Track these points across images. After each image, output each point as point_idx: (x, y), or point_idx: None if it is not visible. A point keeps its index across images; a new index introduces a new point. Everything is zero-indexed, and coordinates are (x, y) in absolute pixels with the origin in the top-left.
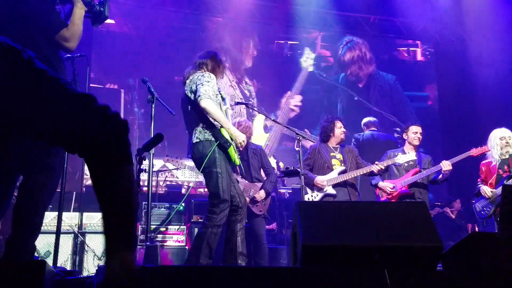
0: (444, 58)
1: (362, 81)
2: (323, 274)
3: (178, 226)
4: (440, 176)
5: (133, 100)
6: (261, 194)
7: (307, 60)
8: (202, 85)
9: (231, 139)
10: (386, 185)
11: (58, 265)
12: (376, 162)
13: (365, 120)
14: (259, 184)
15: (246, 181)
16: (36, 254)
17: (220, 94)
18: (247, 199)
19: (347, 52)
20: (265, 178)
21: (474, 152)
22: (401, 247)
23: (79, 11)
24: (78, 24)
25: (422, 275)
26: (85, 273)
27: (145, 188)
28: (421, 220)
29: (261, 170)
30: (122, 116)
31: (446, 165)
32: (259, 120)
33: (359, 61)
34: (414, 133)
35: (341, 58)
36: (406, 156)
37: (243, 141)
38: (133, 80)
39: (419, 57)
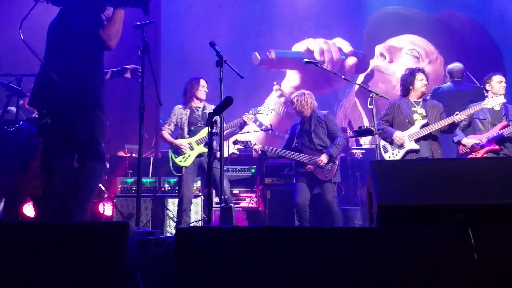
0: None
1: None
2: (400, 234)
3: (250, 189)
4: None
5: None
6: (322, 158)
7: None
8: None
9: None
10: (470, 141)
11: (140, 226)
12: (457, 112)
13: (450, 67)
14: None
15: (310, 150)
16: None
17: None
18: (312, 166)
19: None
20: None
21: None
22: (486, 205)
23: (120, 11)
24: (119, 24)
25: (509, 234)
26: (165, 234)
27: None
28: (508, 176)
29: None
30: None
31: None
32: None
33: None
34: (498, 82)
35: None
36: (494, 99)
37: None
38: None
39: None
